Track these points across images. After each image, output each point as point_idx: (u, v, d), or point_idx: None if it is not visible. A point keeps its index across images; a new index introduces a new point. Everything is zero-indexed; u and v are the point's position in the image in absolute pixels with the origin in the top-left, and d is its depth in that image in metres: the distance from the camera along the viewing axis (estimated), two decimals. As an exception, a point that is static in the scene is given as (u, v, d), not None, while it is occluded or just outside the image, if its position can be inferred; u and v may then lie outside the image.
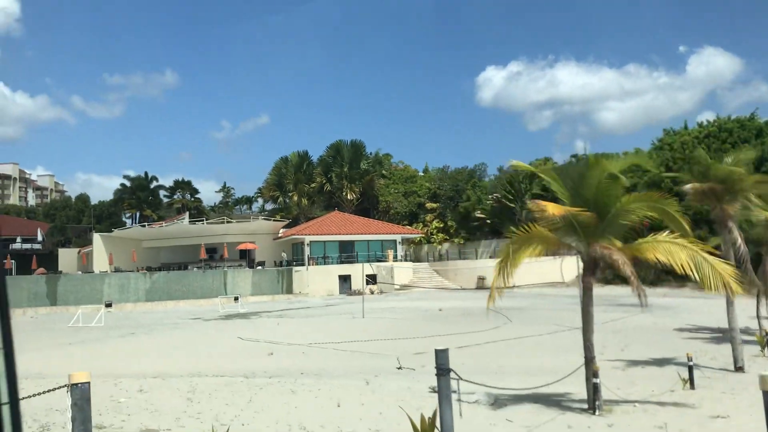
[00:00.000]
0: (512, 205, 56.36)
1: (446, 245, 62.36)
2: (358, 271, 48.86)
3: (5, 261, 52.36)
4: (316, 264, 50.95)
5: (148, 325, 28.23)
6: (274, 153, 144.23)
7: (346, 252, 54.32)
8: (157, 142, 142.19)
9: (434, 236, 61.92)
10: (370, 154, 69.50)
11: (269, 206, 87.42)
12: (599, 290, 41.57)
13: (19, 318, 35.70)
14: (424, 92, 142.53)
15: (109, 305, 36.36)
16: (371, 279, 47.78)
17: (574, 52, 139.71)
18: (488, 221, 58.00)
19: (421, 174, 69.97)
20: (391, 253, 51.17)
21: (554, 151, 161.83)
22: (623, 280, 39.43)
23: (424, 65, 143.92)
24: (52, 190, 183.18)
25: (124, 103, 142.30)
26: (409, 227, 59.58)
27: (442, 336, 19.79)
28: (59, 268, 59.97)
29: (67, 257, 65.18)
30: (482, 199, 59.15)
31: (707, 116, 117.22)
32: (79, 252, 66.54)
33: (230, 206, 77.99)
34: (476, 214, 58.36)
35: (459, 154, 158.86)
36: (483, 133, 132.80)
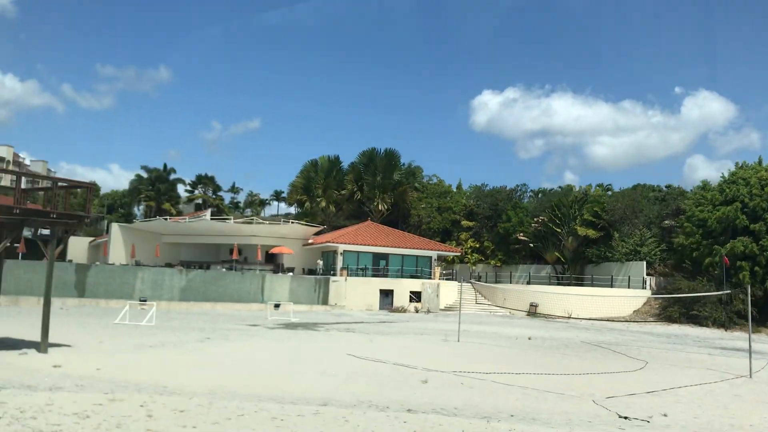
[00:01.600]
0: (558, 230, 53.70)
1: (480, 266, 59.47)
2: (401, 287, 45.83)
3: (18, 245, 48.60)
4: (349, 275, 47.79)
5: (204, 328, 24.96)
6: (262, 158, 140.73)
7: (380, 265, 51.30)
8: (145, 137, 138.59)
9: (468, 256, 58.99)
10: (403, 165, 66.63)
11: (282, 209, 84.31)
12: (667, 329, 38.91)
13: (36, 307, 32.14)
14: (420, 111, 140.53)
15: (143, 301, 32.92)
16: (415, 296, 44.71)
17: (572, 84, 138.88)
18: (531, 245, 55.27)
19: (454, 190, 67.10)
20: (437, 270, 48.12)
21: (543, 181, 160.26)
22: (692, 319, 36.42)
23: (420, 84, 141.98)
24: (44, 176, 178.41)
25: (115, 96, 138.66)
26: (445, 244, 56.61)
27: (594, 374, 16.81)
28: (68, 258, 56.33)
29: (77, 246, 61.42)
30: (524, 221, 56.43)
31: (699, 159, 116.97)
32: (91, 242, 62.88)
33: (256, 207, 74.64)
34: (519, 236, 55.58)
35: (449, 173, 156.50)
36: (476, 157, 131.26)
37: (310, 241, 54.39)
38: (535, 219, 55.17)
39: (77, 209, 64.51)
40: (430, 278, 50.62)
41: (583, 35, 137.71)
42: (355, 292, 44.97)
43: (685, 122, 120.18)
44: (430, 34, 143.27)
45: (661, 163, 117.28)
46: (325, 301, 44.71)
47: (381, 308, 44.32)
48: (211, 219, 54.93)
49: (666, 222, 50.80)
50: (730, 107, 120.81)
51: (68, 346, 17.13)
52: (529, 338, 27.08)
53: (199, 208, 68.07)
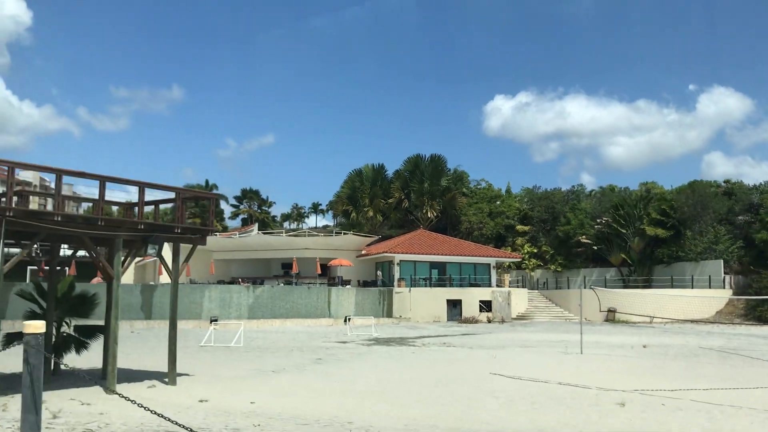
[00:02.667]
0: (623, 230, 51.42)
1: (538, 272, 57.33)
2: (469, 296, 43.90)
3: (68, 268, 47.47)
4: (406, 285, 45.96)
5: (300, 348, 23.31)
6: (278, 173, 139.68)
7: (438, 274, 49.44)
8: (160, 157, 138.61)
9: (526, 262, 56.88)
10: (449, 170, 64.83)
11: (320, 221, 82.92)
12: (763, 330, 36.49)
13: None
14: (433, 118, 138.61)
15: (214, 321, 31.40)
16: (485, 305, 42.76)
17: (585, 85, 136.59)
18: (595, 247, 53.06)
19: (504, 194, 65.11)
20: (507, 277, 46.12)
21: (559, 183, 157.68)
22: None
23: (432, 91, 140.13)
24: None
25: (130, 117, 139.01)
26: (504, 251, 54.59)
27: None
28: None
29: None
30: (584, 223, 54.26)
31: (717, 156, 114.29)
32: (137, 262, 61.76)
33: (293, 219, 73.29)
34: (581, 239, 53.40)
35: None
36: (490, 162, 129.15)
37: (363, 252, 52.72)
38: (598, 220, 52.99)
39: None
40: (489, 286, 48.67)
41: (594, 36, 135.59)
42: (420, 304, 43.14)
43: (701, 119, 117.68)
44: (439, 40, 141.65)
45: (678, 161, 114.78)
46: (389, 314, 42.96)
47: (449, 319, 42.40)
48: (263, 233, 53.54)
49: (740, 218, 48.34)
50: (747, 102, 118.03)
51: (188, 375, 15.50)
52: (644, 346, 25.03)
53: (245, 223, 66.79)
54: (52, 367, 14.98)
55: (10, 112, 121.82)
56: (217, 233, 56.13)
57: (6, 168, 11.09)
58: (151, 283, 42.59)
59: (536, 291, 48.45)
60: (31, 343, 5.63)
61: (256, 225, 58.86)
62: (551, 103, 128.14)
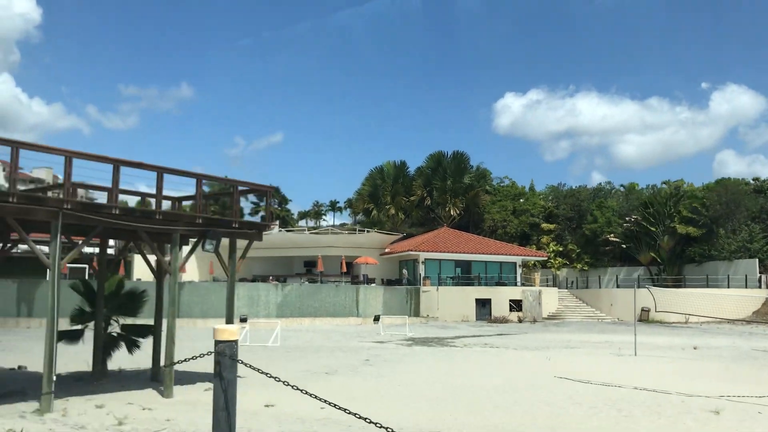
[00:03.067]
0: (653, 229, 50.37)
1: (564, 271, 56.37)
2: (499, 295, 43.05)
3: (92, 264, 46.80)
4: (431, 284, 45.19)
5: (341, 348, 22.61)
6: (288, 172, 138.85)
7: (463, 272, 48.62)
8: (169, 155, 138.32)
9: (552, 260, 55.92)
10: (472, 167, 63.92)
11: (338, 219, 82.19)
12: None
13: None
14: (442, 115, 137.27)
15: (244, 320, 30.78)
16: (515, 305, 41.89)
17: (596, 83, 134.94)
18: (623, 245, 52.05)
19: (528, 191, 64.14)
20: (537, 276, 45.23)
21: (570, 182, 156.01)
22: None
23: (440, 89, 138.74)
24: (82, 197, 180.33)
25: (139, 115, 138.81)
26: (529, 249, 53.66)
27: None
28: (135, 277, 54.72)
29: (141, 264, 59.84)
30: (612, 221, 53.25)
31: (729, 155, 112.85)
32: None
33: (311, 217, 72.62)
34: (609, 237, 52.39)
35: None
36: (500, 161, 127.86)
37: (387, 250, 51.98)
38: (627, 218, 51.97)
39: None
40: (515, 285, 47.81)
41: (605, 34, 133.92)
42: (448, 303, 42.34)
43: (713, 117, 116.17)
44: (448, 38, 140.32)
45: (690, 159, 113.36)
46: (416, 313, 42.21)
47: (478, 319, 41.58)
48: (285, 231, 52.92)
49: (775, 215, 47.24)
50: (760, 100, 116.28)
51: (239, 376, 14.77)
52: (695, 348, 24.13)
53: (263, 220, 66.17)
54: (100, 368, 14.35)
55: (20, 110, 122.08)
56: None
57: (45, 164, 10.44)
58: (191, 281, 42.00)
59: (565, 290, 47.49)
60: (225, 353, 4.61)
61: (278, 222, 58.23)
62: (562, 101, 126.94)
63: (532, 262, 55.53)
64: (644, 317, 40.22)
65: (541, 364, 18.29)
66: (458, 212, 60.50)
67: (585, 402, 12.12)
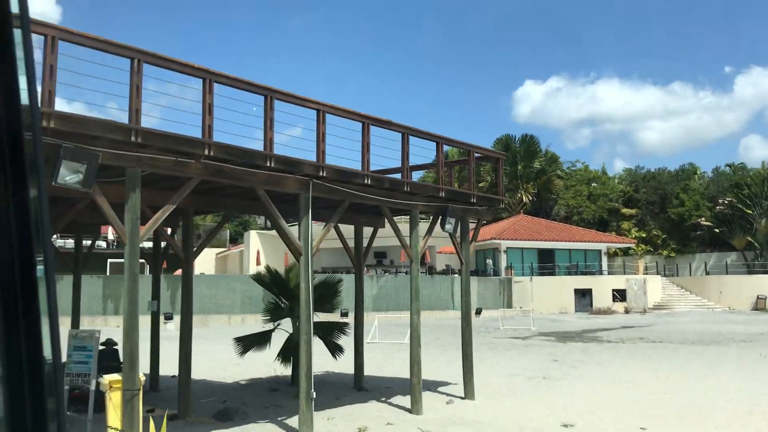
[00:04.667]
0: (749, 211, 47.05)
1: (648, 258, 53.23)
2: (600, 285, 40.28)
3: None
4: (515, 274, 42.57)
5: (480, 343, 20.19)
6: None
7: (546, 261, 45.87)
8: None
9: (635, 247, 52.81)
10: (542, 151, 60.89)
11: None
12: None
13: (228, 327, 28.27)
14: (461, 104, 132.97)
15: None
16: (618, 295, 39.10)
17: (618, 70, 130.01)
18: (716, 230, 48.82)
19: (601, 175, 61.04)
20: (641, 263, 42.38)
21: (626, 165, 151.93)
22: None
23: (459, 77, 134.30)
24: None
25: (159, 113, 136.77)
26: (611, 235, 50.65)
27: None
28: (197, 271, 52.98)
29: (202, 258, 58.12)
30: (700, 204, 50.01)
31: (755, 139, 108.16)
32: (218, 253, 59.56)
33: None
34: (700, 221, 49.20)
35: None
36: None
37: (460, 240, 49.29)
38: (720, 201, 48.70)
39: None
40: (601, 273, 44.96)
41: (626, 19, 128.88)
42: (543, 293, 39.69)
43: (738, 101, 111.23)
44: (464, 25, 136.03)
45: (714, 145, 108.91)
46: (509, 305, 39.67)
47: (578, 310, 38.87)
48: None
49: None
50: None
51: (449, 383, 12.42)
52: None
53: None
54: (295, 375, 12.05)
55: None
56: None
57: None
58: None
59: (664, 278, 44.50)
60: None
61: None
62: (583, 88, 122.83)
63: (614, 250, 52.55)
64: (761, 305, 37.18)
65: (757, 362, 15.63)
66: (530, 198, 57.65)
67: None
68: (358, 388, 11.96)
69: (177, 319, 29.63)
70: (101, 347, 10.64)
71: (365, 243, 13.03)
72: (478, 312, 34.14)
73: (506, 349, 19.08)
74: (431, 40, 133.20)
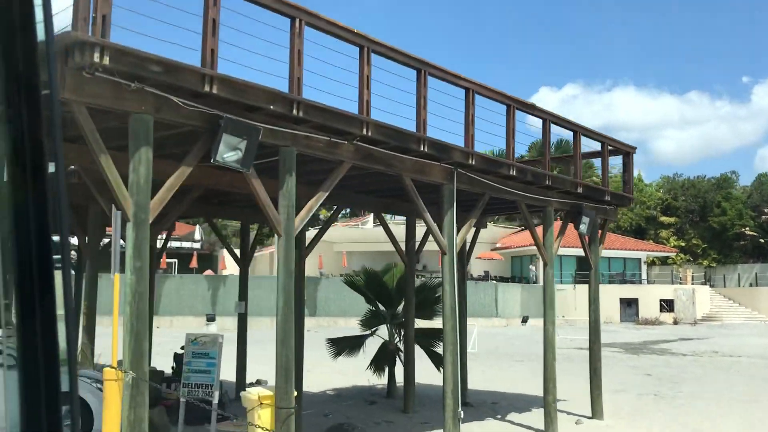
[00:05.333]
0: (797, 221, 45.56)
1: (686, 267, 51.75)
2: (646, 294, 38.97)
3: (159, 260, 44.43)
4: (561, 282, 41.26)
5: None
6: None
7: (584, 270, 44.53)
8: None
9: (674, 257, 51.38)
10: (575, 157, 59.66)
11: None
12: None
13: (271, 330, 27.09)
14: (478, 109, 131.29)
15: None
16: (665, 305, 37.76)
17: (634, 77, 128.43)
18: (761, 240, 47.32)
19: (637, 182, 59.63)
20: (690, 273, 41.03)
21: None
22: None
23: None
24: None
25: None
26: (651, 243, 49.27)
27: None
28: (224, 272, 52.16)
29: (230, 260, 57.35)
30: (744, 213, 48.54)
31: None
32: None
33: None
34: (744, 230, 47.71)
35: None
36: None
37: (498, 245, 48.23)
38: (765, 210, 47.22)
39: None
40: (641, 283, 43.61)
41: (643, 27, 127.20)
42: (586, 302, 38.37)
43: (755, 111, 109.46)
44: (477, 31, 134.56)
45: (731, 155, 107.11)
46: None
47: (623, 320, 37.58)
48: (387, 223, 49.64)
49: None
50: None
51: (561, 399, 11.34)
52: None
53: (355, 213, 63.16)
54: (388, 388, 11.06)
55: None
56: (337, 223, 52.56)
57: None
58: (319, 274, 39.16)
59: (711, 288, 43.06)
60: None
61: (371, 215, 55.03)
62: (599, 96, 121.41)
63: (651, 259, 51.16)
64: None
65: None
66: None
67: None
68: (463, 402, 10.90)
69: (219, 320, 28.82)
70: (180, 350, 9.73)
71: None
72: (525, 320, 33.01)
73: (584, 362, 17.93)
74: (445, 47, 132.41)
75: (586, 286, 38.01)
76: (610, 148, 10.12)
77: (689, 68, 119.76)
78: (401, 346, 11.29)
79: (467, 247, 11.80)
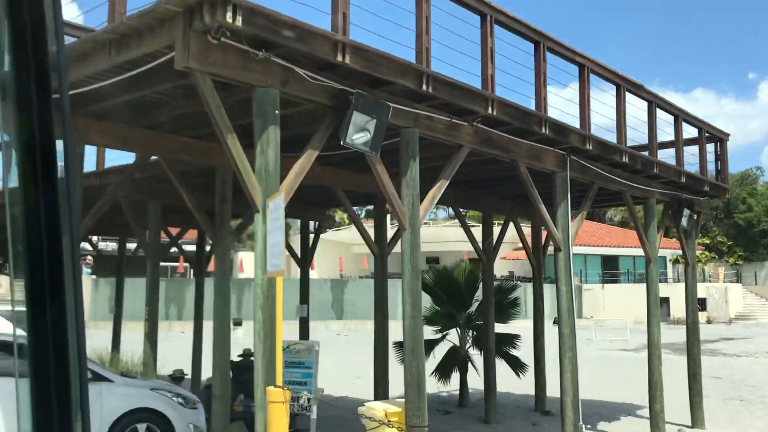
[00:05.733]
0: (826, 216, 44.62)
1: (710, 265, 50.80)
2: (678, 293, 38.02)
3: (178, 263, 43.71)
4: (579, 281, 40.49)
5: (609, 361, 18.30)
6: None
7: (610, 268, 43.84)
8: None
9: (698, 255, 50.44)
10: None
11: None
12: None
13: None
14: None
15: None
16: (698, 304, 36.85)
17: (639, 76, 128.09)
18: (789, 236, 46.39)
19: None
20: (721, 271, 40.14)
21: None
22: None
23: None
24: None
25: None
26: (676, 241, 48.34)
27: None
28: (241, 275, 51.56)
29: (249, 262, 56.76)
30: (770, 209, 47.62)
31: None
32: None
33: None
34: (772, 227, 46.79)
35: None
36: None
37: (519, 245, 47.36)
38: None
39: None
40: (666, 281, 42.74)
41: (647, 24, 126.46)
42: (615, 302, 37.62)
43: (762, 109, 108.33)
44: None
45: (737, 152, 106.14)
46: (579, 314, 37.59)
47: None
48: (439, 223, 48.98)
49: None
50: None
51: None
52: None
53: (370, 214, 62.53)
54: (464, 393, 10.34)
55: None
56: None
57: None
58: (346, 276, 38.56)
59: (742, 286, 42.21)
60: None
61: (388, 216, 54.33)
62: (604, 94, 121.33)
63: (675, 257, 50.23)
64: None
65: None
66: (584, 203, 55.59)
67: None
68: (543, 411, 10.18)
69: (245, 324, 28.15)
70: (238, 358, 9.05)
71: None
72: (556, 322, 32.19)
73: (640, 364, 17.15)
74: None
75: (615, 286, 37.35)
76: (706, 134, 9.37)
77: (694, 66, 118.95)
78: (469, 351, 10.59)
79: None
